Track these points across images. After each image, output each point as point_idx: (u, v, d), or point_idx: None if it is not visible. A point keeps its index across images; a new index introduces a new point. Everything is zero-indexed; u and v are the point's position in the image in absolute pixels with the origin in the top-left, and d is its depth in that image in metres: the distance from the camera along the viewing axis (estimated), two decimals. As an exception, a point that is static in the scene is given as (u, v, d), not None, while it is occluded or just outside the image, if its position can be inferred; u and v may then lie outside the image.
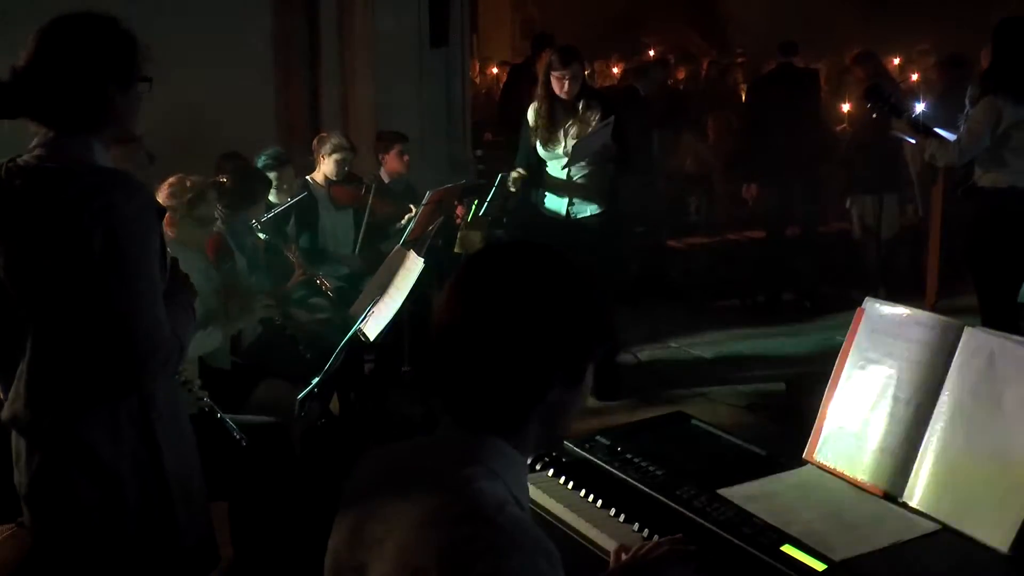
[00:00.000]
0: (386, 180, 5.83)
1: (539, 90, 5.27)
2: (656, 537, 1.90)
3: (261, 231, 4.68)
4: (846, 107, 6.87)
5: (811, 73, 7.55)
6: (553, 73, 5.09)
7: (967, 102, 5.35)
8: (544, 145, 5.21)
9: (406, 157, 5.85)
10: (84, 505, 2.16)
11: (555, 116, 5.17)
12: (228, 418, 3.23)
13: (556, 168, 5.26)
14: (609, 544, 1.94)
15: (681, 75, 10.44)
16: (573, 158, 5.09)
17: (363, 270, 5.22)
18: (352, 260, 5.39)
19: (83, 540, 2.19)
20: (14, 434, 2.21)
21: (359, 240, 5.43)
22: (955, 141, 5.06)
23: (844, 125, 7.49)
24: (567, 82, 5.07)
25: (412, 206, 5.48)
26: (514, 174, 5.24)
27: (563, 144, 5.18)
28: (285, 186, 5.14)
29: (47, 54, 2.11)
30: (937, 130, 5.21)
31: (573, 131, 5.16)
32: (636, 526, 1.99)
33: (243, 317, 3.92)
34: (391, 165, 5.84)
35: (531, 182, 5.31)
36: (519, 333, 1.38)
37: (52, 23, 2.13)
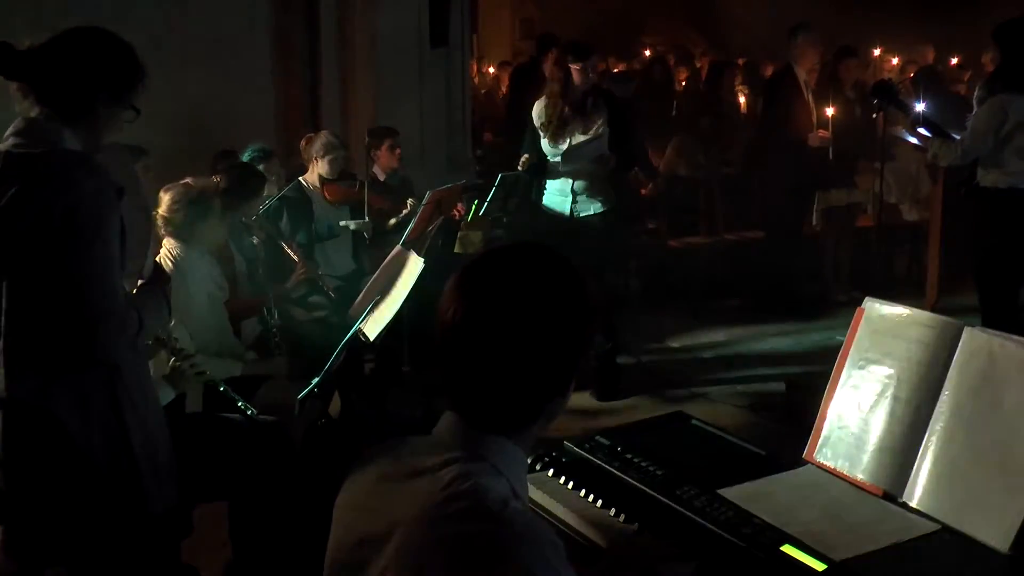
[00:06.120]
0: (381, 176, 5.81)
1: (548, 87, 5.34)
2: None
3: (258, 226, 4.66)
4: (830, 111, 6.57)
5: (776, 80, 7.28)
6: (572, 65, 5.14)
7: (974, 103, 5.36)
8: (550, 142, 5.25)
9: (398, 150, 5.82)
10: (54, 474, 2.31)
11: (563, 114, 5.21)
12: (231, 390, 3.33)
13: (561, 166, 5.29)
14: (609, 544, 1.93)
15: (682, 76, 10.44)
16: (565, 161, 5.22)
17: (363, 271, 5.21)
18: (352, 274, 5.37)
19: (53, 506, 2.34)
20: None
21: (367, 243, 5.39)
22: (959, 140, 5.07)
23: (821, 131, 6.92)
24: (586, 73, 5.16)
25: (411, 199, 5.47)
26: (523, 158, 5.31)
27: (569, 142, 5.21)
28: (273, 178, 5.15)
29: (64, 42, 2.31)
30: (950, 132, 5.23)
31: (579, 129, 5.20)
32: (636, 526, 1.99)
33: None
34: (384, 160, 5.81)
35: (537, 173, 5.35)
36: (537, 341, 1.39)
37: (82, 27, 2.35)
